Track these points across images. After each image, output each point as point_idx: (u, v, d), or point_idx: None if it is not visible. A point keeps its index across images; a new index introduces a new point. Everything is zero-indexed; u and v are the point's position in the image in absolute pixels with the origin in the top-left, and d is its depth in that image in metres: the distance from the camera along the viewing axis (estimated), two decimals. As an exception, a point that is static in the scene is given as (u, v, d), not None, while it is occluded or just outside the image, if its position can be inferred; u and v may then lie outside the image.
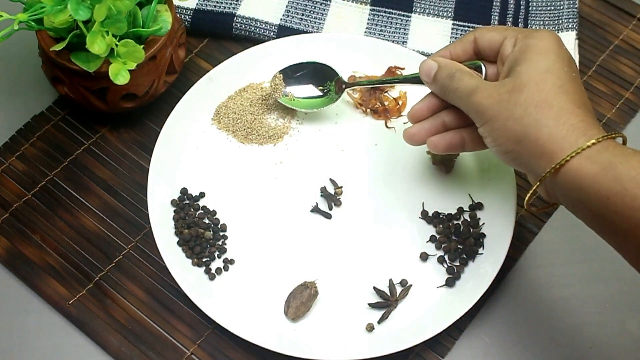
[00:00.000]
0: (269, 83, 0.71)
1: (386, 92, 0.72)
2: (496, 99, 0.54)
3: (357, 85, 0.69)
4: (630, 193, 0.49)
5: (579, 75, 0.56)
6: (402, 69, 0.73)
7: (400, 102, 0.72)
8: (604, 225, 0.52)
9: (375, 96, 0.72)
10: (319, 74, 0.71)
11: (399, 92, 0.73)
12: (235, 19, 0.76)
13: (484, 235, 0.66)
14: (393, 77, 0.71)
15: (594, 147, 0.50)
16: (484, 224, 0.66)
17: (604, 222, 0.51)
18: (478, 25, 0.77)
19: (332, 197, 0.68)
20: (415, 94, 0.73)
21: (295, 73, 0.71)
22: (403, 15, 0.78)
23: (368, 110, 0.72)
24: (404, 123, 0.71)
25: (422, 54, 0.74)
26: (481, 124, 0.56)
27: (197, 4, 0.77)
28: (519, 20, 0.77)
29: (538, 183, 0.54)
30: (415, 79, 0.63)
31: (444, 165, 0.69)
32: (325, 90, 0.71)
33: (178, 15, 0.74)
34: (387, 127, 0.72)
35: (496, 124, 0.54)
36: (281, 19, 0.77)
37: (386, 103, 0.72)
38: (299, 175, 0.69)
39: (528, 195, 0.56)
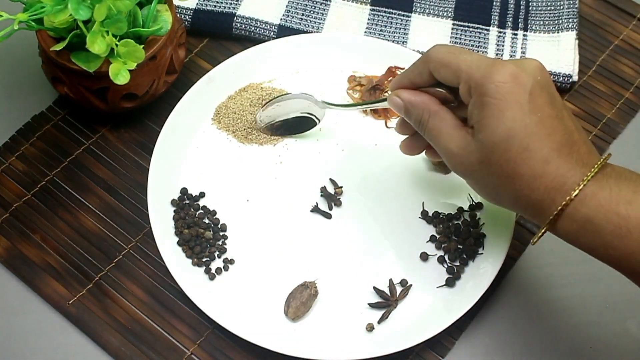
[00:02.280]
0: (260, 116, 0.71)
1: (386, 92, 0.72)
2: (468, 167, 0.54)
3: (336, 106, 0.68)
4: (611, 246, 0.50)
5: (551, 98, 0.52)
6: (402, 69, 0.73)
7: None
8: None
9: (375, 96, 0.72)
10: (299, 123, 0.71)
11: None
12: (235, 19, 0.76)
13: (484, 235, 0.66)
14: (376, 99, 0.71)
15: (572, 203, 0.50)
16: (484, 224, 0.66)
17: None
18: (478, 25, 0.77)
19: (332, 197, 0.68)
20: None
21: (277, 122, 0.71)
22: (403, 15, 0.78)
23: (368, 110, 0.72)
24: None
25: (422, 54, 0.74)
26: (459, 176, 0.56)
27: (197, 4, 0.77)
28: (519, 20, 0.77)
29: (540, 234, 0.54)
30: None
31: (444, 165, 0.69)
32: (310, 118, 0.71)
33: (178, 15, 0.74)
34: (387, 127, 0.72)
35: (473, 185, 0.56)
36: (281, 19, 0.77)
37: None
38: (299, 175, 0.69)
39: (536, 237, 0.55)
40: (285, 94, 0.70)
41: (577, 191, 0.50)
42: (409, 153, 0.63)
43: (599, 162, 0.51)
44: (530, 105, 0.51)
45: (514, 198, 0.53)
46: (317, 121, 0.70)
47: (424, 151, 0.63)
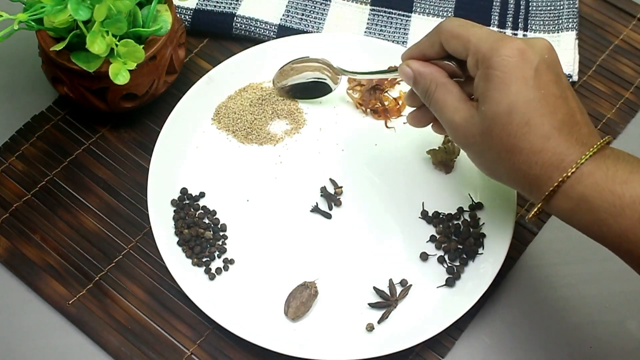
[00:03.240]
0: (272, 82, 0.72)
1: (386, 92, 0.72)
2: (469, 139, 0.54)
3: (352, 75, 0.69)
4: (605, 224, 0.50)
5: (557, 77, 0.52)
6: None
7: (400, 102, 0.72)
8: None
9: (375, 96, 0.72)
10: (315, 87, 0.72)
11: (399, 92, 0.73)
12: (235, 19, 0.76)
13: (484, 235, 0.66)
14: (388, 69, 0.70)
15: (568, 181, 0.51)
16: (484, 224, 0.66)
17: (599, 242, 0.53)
18: (478, 25, 0.77)
19: (332, 197, 0.68)
20: (415, 94, 0.73)
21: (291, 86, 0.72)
22: (403, 15, 0.78)
23: (368, 110, 0.72)
24: (404, 123, 0.71)
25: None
26: (460, 148, 0.57)
27: (197, 4, 0.77)
28: (519, 20, 0.77)
29: (535, 211, 0.54)
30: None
31: (444, 165, 0.69)
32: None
33: (178, 15, 0.74)
34: (387, 127, 0.72)
35: (473, 158, 0.57)
36: (281, 19, 0.77)
37: (386, 103, 0.72)
38: (299, 175, 0.69)
39: (531, 214, 0.55)
40: (302, 57, 0.71)
41: (574, 169, 0.50)
42: (415, 125, 0.63)
43: (598, 143, 0.51)
44: (535, 82, 0.51)
45: (511, 172, 0.53)
46: (331, 87, 0.71)
47: (431, 126, 0.63)
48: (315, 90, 0.71)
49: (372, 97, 0.72)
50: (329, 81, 0.71)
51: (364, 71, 0.68)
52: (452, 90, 0.56)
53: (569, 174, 0.50)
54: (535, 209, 0.54)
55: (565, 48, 0.75)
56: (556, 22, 0.77)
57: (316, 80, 0.71)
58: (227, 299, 0.64)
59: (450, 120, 0.55)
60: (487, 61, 0.52)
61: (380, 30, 0.77)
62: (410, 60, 0.59)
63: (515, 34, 0.76)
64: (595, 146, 0.51)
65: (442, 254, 0.65)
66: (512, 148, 0.52)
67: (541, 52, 0.52)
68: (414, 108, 0.63)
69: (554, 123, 0.51)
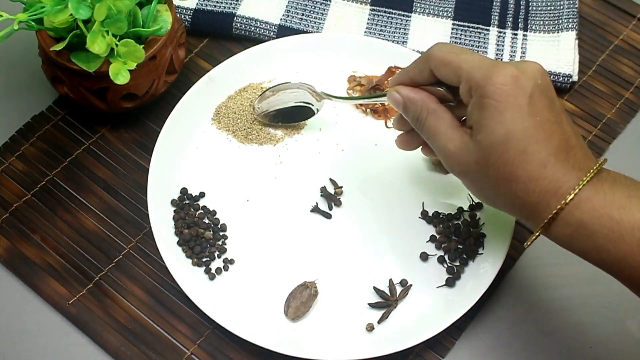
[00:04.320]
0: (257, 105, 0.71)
1: (386, 90, 0.72)
2: (464, 167, 0.54)
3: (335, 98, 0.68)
4: (604, 249, 0.50)
5: (551, 102, 0.52)
6: (402, 69, 0.72)
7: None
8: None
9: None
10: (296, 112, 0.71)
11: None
12: (235, 19, 0.76)
13: (484, 235, 0.66)
14: (376, 93, 0.70)
15: (566, 207, 0.50)
16: (483, 224, 0.66)
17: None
18: (478, 25, 0.77)
19: (332, 197, 0.68)
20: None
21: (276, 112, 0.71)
22: (403, 15, 0.78)
23: (368, 110, 0.72)
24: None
25: (423, 52, 0.74)
26: (455, 176, 0.56)
27: (197, 4, 0.77)
28: (519, 20, 0.77)
29: (533, 238, 0.54)
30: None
31: (444, 165, 0.69)
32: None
33: (178, 15, 0.74)
34: (387, 127, 0.72)
35: (469, 186, 0.56)
36: (281, 19, 0.77)
37: (386, 103, 0.72)
38: (299, 175, 0.69)
39: (529, 241, 0.55)
40: (283, 83, 0.70)
41: (572, 195, 0.50)
42: (404, 148, 0.63)
43: (594, 167, 0.51)
44: (530, 109, 0.51)
45: (509, 200, 0.53)
46: (315, 111, 0.70)
47: (421, 149, 0.63)
48: (298, 114, 0.71)
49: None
50: (312, 105, 0.70)
51: (349, 97, 0.69)
52: (444, 117, 0.55)
53: (567, 200, 0.50)
54: (534, 237, 0.53)
55: (565, 48, 0.75)
56: (556, 22, 0.77)
57: (299, 105, 0.70)
58: (227, 299, 0.64)
59: (443, 148, 0.55)
60: (480, 89, 0.51)
61: (380, 30, 0.77)
62: (399, 86, 0.58)
63: (515, 34, 0.76)
64: (592, 171, 0.51)
65: (442, 254, 0.65)
66: (509, 176, 0.51)
67: (534, 77, 0.52)
68: (402, 132, 0.62)
69: (550, 149, 0.51)
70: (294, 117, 0.71)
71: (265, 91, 0.70)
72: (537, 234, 0.53)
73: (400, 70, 0.72)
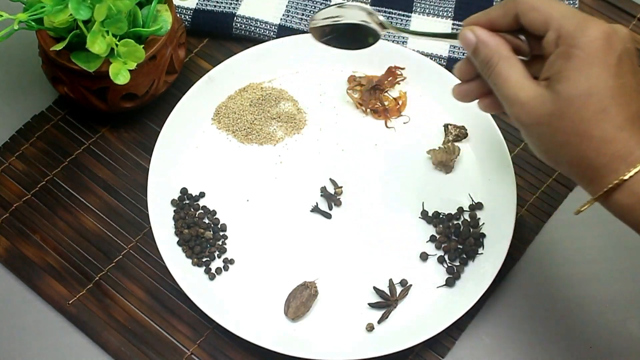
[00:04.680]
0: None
1: (386, 92, 0.72)
2: (535, 119, 0.51)
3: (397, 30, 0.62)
4: None
5: (635, 68, 0.51)
6: (402, 68, 0.73)
7: (400, 102, 0.72)
8: None
9: (375, 96, 0.72)
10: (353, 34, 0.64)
11: (399, 92, 0.73)
12: (235, 19, 0.76)
13: (484, 235, 0.66)
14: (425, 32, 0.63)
15: (636, 175, 0.49)
16: (484, 224, 0.66)
17: None
18: (478, 25, 0.77)
19: (332, 197, 0.68)
20: (415, 94, 0.73)
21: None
22: (403, 15, 0.78)
23: (368, 110, 0.72)
24: (404, 123, 0.72)
25: (422, 54, 0.74)
26: (520, 128, 0.53)
27: (197, 4, 0.77)
28: (519, 20, 0.77)
29: (587, 205, 0.52)
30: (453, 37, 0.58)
31: (444, 165, 0.69)
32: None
33: (178, 15, 0.74)
34: (387, 127, 0.72)
35: (533, 140, 0.53)
36: (281, 19, 0.77)
37: (386, 103, 0.72)
38: (299, 175, 0.69)
39: (582, 207, 0.53)
40: (346, 2, 0.65)
41: None
42: (461, 99, 0.59)
43: None
44: (617, 69, 0.49)
45: (575, 159, 0.51)
46: (372, 38, 0.63)
47: (473, 99, 0.59)
48: (354, 38, 0.63)
49: (372, 97, 0.72)
50: (371, 30, 0.62)
51: (416, 31, 0.62)
52: (516, 65, 0.52)
53: (639, 169, 0.48)
54: (589, 203, 0.52)
55: (565, 48, 0.75)
56: (556, 22, 0.77)
57: (359, 24, 0.62)
58: (227, 299, 0.64)
59: (514, 96, 0.51)
60: (571, 39, 0.50)
61: (380, 30, 0.77)
62: (475, 27, 0.55)
63: (515, 34, 0.76)
64: None
65: (442, 254, 0.65)
66: (583, 133, 0.49)
67: (625, 39, 0.51)
68: (460, 81, 0.59)
69: (628, 114, 0.49)
70: (349, 41, 0.64)
71: (327, 6, 0.63)
72: (594, 198, 0.51)
73: (400, 70, 0.72)
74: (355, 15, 0.62)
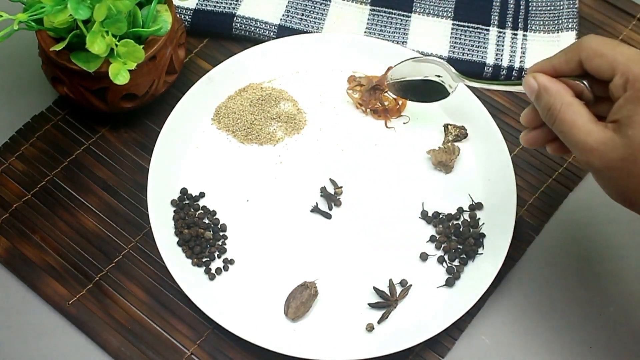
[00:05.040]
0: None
1: (386, 92, 0.72)
2: (607, 163, 0.51)
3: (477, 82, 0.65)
4: None
5: None
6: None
7: (400, 102, 0.72)
8: None
9: (375, 96, 0.72)
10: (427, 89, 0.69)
11: (399, 92, 0.73)
12: (235, 19, 0.76)
13: (484, 235, 0.66)
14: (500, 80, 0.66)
15: None
16: (484, 224, 0.66)
17: None
18: (478, 25, 0.77)
19: (332, 197, 0.68)
20: (415, 94, 0.73)
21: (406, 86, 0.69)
22: (403, 15, 0.78)
23: (368, 110, 0.72)
24: (404, 123, 0.72)
25: (422, 53, 0.74)
26: (591, 172, 0.53)
27: (197, 4, 0.77)
28: (519, 20, 0.77)
29: None
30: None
31: (444, 165, 0.69)
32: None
33: (178, 15, 0.74)
34: (387, 127, 0.72)
35: (606, 184, 0.53)
36: (281, 19, 0.77)
37: (386, 103, 0.72)
38: (299, 175, 0.69)
39: None
40: (422, 57, 0.68)
41: None
42: (530, 145, 0.59)
43: None
44: None
45: None
46: (447, 91, 0.67)
47: (542, 145, 0.59)
48: (429, 91, 0.68)
49: (372, 97, 0.72)
50: (445, 84, 0.67)
51: (486, 81, 0.65)
52: (580, 110, 0.52)
53: None
54: None
55: (566, 48, 0.75)
56: (556, 22, 0.77)
57: (432, 80, 0.67)
58: (227, 299, 0.64)
59: (582, 142, 0.51)
60: (639, 83, 0.49)
61: (380, 30, 0.77)
62: (537, 73, 0.55)
63: (515, 34, 0.76)
64: None
65: (442, 254, 0.66)
66: None
67: None
68: (528, 128, 0.59)
69: None
70: (424, 94, 0.68)
71: (403, 61, 0.68)
72: None
73: None
74: (431, 70, 0.67)
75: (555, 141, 0.57)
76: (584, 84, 0.53)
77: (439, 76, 0.67)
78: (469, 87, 0.66)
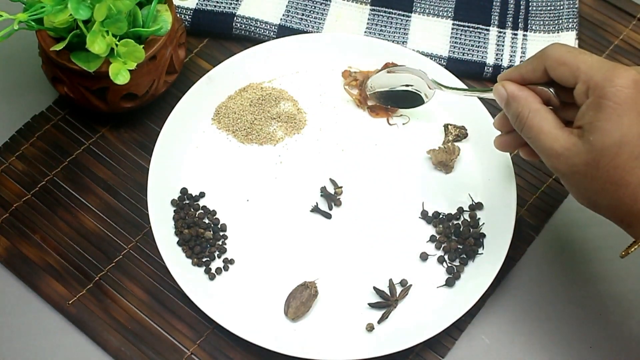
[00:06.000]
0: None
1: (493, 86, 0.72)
2: (571, 168, 0.52)
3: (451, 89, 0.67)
4: None
5: None
6: (399, 66, 0.72)
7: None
8: None
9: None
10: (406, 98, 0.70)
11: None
12: (235, 19, 0.76)
13: (484, 235, 0.66)
14: (480, 87, 0.68)
15: None
16: (484, 224, 0.66)
17: None
18: (478, 25, 0.77)
19: (332, 197, 0.68)
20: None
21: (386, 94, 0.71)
22: (403, 15, 0.78)
23: (367, 106, 0.72)
24: (404, 123, 0.72)
25: (422, 53, 0.74)
26: (558, 176, 0.54)
27: (197, 4, 0.77)
28: (519, 20, 0.77)
29: (635, 247, 0.54)
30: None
31: (444, 165, 0.69)
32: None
33: (178, 15, 0.74)
34: (389, 124, 0.72)
35: (572, 187, 0.54)
36: (281, 19, 0.77)
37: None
38: (299, 175, 0.69)
39: (627, 250, 0.54)
40: (400, 65, 0.71)
41: None
42: (503, 149, 0.62)
43: None
44: None
45: (613, 206, 0.52)
46: (423, 99, 0.69)
47: (514, 149, 0.61)
48: (407, 100, 0.69)
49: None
50: (421, 92, 0.68)
51: (457, 87, 0.67)
52: (547, 117, 0.54)
53: None
54: (635, 246, 0.53)
55: (566, 48, 0.75)
56: (556, 22, 0.77)
57: (409, 90, 0.69)
58: (227, 299, 0.64)
59: (549, 148, 0.53)
60: (599, 90, 0.51)
61: (380, 30, 0.77)
62: (506, 82, 0.57)
63: (515, 34, 0.76)
64: None
65: (442, 254, 0.66)
66: (618, 181, 0.50)
67: None
68: (500, 133, 0.61)
69: None
70: (403, 102, 0.70)
71: (380, 70, 0.70)
72: (638, 245, 0.53)
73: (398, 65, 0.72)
74: (407, 79, 0.69)
75: (526, 146, 0.58)
76: (550, 91, 0.55)
77: (413, 85, 0.69)
78: (446, 91, 0.67)
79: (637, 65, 0.76)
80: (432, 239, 0.66)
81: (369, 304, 0.64)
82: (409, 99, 0.69)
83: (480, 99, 0.70)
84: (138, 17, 0.65)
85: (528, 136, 0.54)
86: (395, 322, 0.63)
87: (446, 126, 0.71)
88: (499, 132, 0.68)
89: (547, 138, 0.53)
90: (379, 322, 0.63)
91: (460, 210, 0.67)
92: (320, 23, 0.77)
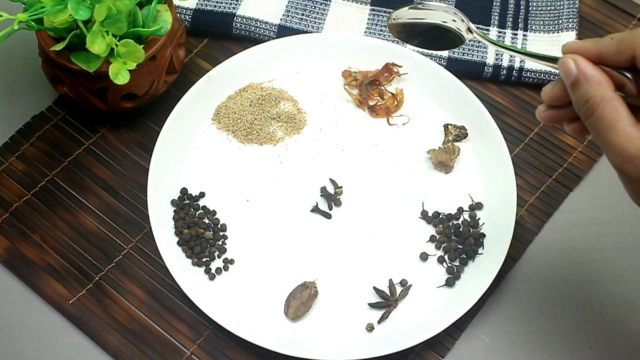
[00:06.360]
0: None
1: (384, 86, 0.72)
2: None
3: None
4: None
5: None
6: (400, 66, 0.72)
7: (398, 99, 0.72)
8: None
9: (374, 88, 0.72)
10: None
11: (395, 89, 0.73)
12: (235, 19, 0.76)
13: (484, 235, 0.66)
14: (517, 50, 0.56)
15: None
16: (484, 224, 0.66)
17: None
18: (478, 25, 0.77)
19: (332, 197, 0.68)
20: (415, 94, 0.73)
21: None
22: (403, 15, 0.78)
23: (367, 106, 0.72)
24: (404, 124, 0.72)
25: (423, 53, 0.74)
26: (620, 177, 0.48)
27: (197, 4, 0.77)
28: (519, 20, 0.77)
29: None
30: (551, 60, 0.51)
31: (444, 165, 0.69)
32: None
33: (178, 15, 0.74)
34: (389, 124, 0.72)
35: (635, 192, 0.48)
36: (281, 19, 0.77)
37: (385, 98, 0.72)
38: (299, 175, 0.69)
39: None
40: (434, 3, 0.60)
41: None
42: (547, 122, 0.52)
43: None
44: None
45: None
46: (462, 39, 0.58)
47: (560, 124, 0.52)
48: (438, 40, 0.59)
49: (368, 92, 0.72)
50: (462, 31, 0.57)
51: (509, 46, 0.54)
52: (622, 110, 0.46)
53: None
54: None
55: (566, 48, 0.75)
56: (556, 22, 0.77)
57: (443, 26, 0.58)
58: (227, 299, 0.64)
59: (619, 147, 0.45)
60: None
61: (381, 30, 0.77)
62: (578, 57, 0.47)
63: (515, 34, 0.76)
64: None
65: (442, 254, 0.66)
66: None
67: None
68: (546, 106, 0.52)
69: None
70: (432, 41, 0.59)
71: (410, 5, 0.59)
72: None
73: (397, 68, 0.72)
74: (439, 16, 0.58)
75: (576, 121, 0.51)
76: (628, 77, 0.47)
77: (451, 25, 0.58)
78: (484, 41, 0.56)
79: None
80: (432, 239, 0.66)
81: (369, 304, 0.64)
82: (441, 39, 0.59)
83: (481, 98, 0.70)
84: (138, 17, 0.65)
85: (595, 127, 0.47)
86: (395, 322, 0.63)
87: (446, 126, 0.71)
88: (499, 132, 0.68)
89: (619, 136, 0.46)
90: (379, 322, 0.63)
91: (460, 210, 0.67)
92: (320, 23, 0.77)
